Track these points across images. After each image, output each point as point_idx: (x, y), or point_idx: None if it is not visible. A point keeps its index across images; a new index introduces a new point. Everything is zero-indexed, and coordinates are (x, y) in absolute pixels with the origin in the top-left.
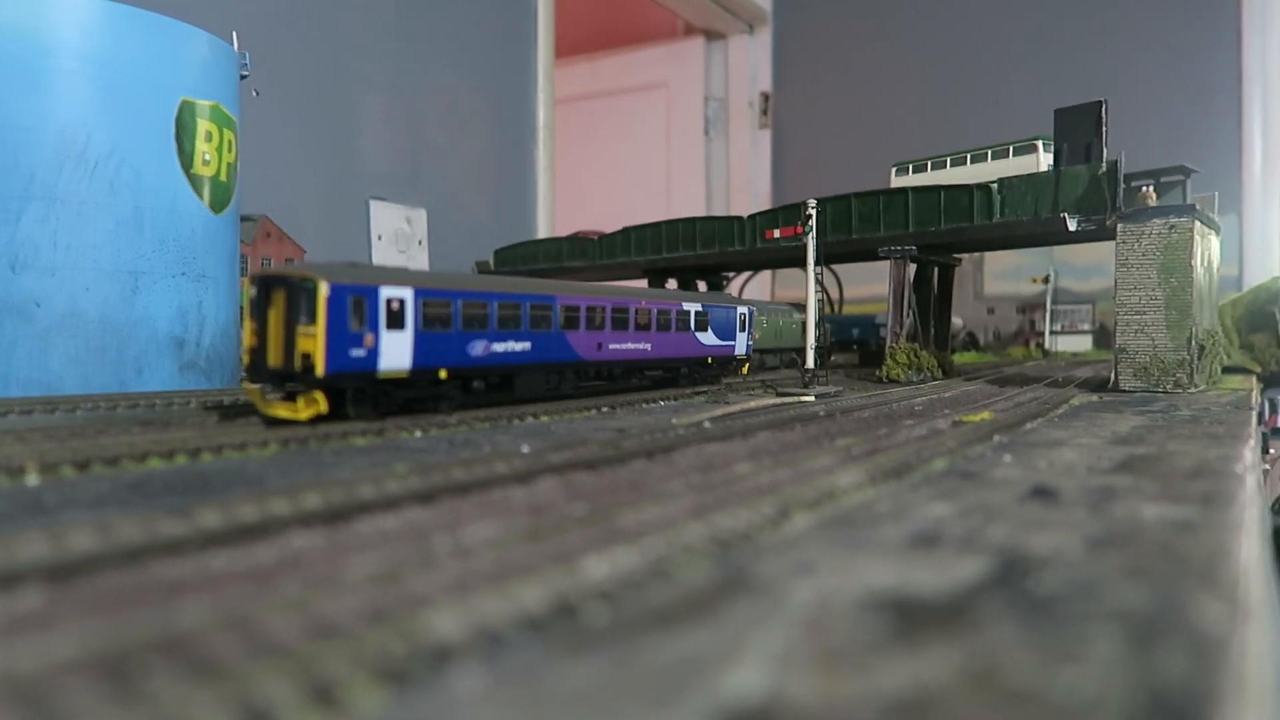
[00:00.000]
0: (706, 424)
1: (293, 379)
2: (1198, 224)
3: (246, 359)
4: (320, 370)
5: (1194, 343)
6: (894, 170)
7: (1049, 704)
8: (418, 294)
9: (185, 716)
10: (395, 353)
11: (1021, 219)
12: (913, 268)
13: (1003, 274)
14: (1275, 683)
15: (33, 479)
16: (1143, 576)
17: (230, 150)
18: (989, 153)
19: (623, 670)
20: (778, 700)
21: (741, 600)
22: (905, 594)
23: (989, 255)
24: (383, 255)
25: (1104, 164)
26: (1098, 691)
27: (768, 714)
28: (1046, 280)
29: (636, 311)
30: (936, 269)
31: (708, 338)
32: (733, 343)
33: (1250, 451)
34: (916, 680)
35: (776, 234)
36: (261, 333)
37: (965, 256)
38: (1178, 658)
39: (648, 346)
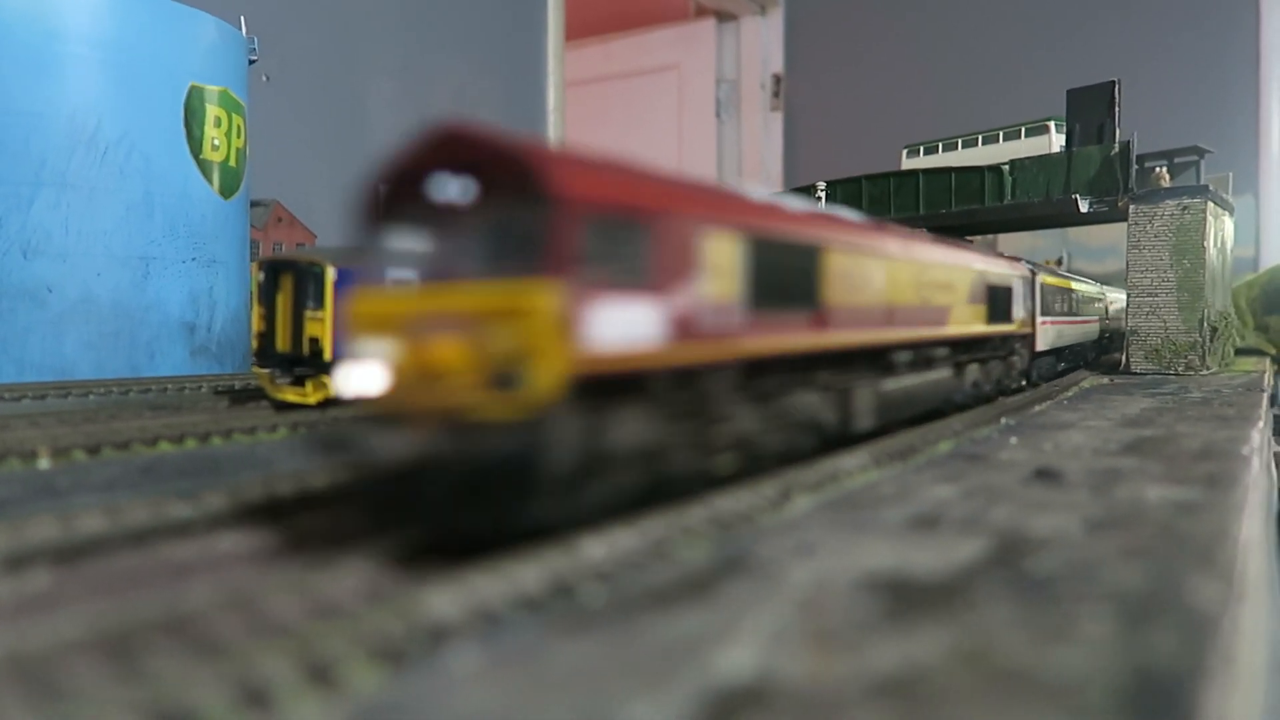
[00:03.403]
0: None
1: (301, 364)
2: (1211, 205)
3: (256, 344)
4: (328, 355)
5: (1206, 325)
6: (905, 152)
7: (1036, 682)
8: None
9: (185, 695)
10: None
11: (1033, 200)
12: None
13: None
14: (1267, 660)
15: (45, 463)
16: (1140, 557)
17: (239, 135)
18: (1000, 134)
19: (618, 650)
20: (767, 679)
21: (739, 581)
22: (903, 575)
23: (1002, 237)
24: None
25: (1116, 145)
26: (1085, 670)
27: (757, 692)
28: (1059, 262)
29: None
30: None
31: None
32: None
33: (1259, 433)
34: (907, 659)
35: None
36: (270, 318)
37: (977, 239)
38: (1167, 636)
39: None
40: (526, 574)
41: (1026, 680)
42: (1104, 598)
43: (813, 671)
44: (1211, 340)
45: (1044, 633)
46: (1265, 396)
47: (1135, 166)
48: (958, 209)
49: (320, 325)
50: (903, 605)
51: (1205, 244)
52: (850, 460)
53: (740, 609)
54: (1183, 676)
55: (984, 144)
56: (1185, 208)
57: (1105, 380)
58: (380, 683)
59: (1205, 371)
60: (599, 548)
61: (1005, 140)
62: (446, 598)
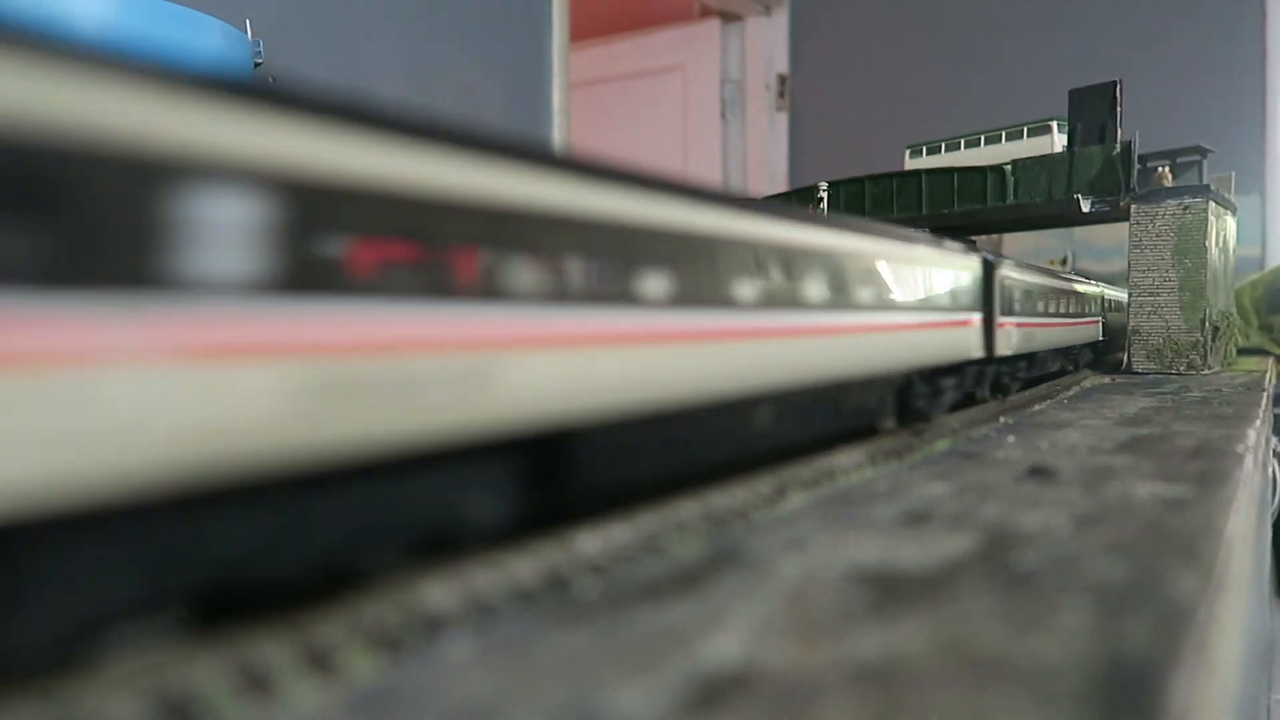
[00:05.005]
0: None
1: None
2: (1212, 204)
3: None
4: None
5: (1208, 324)
6: (908, 152)
7: (1010, 669)
8: None
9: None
10: None
11: (1035, 200)
12: None
13: (1020, 256)
14: (1242, 649)
15: None
16: (1124, 551)
17: None
18: (1003, 134)
19: (608, 639)
20: (752, 665)
21: (730, 574)
22: (890, 569)
23: (1007, 237)
24: None
25: (1118, 145)
26: (1058, 657)
27: (742, 678)
28: (1064, 262)
29: None
30: None
31: None
32: None
33: (1254, 431)
34: (887, 647)
35: None
36: None
37: (982, 239)
38: (1142, 627)
39: None
40: (521, 567)
41: (1000, 666)
42: (1084, 589)
43: (796, 659)
44: (1213, 340)
45: (1021, 622)
46: (1265, 396)
47: (1137, 166)
48: (960, 209)
49: None
50: (887, 597)
51: (1207, 244)
52: (846, 458)
53: (729, 600)
54: (1153, 663)
55: (986, 144)
56: (1187, 207)
57: (1106, 380)
58: (378, 669)
59: (1207, 371)
60: (593, 542)
61: (1008, 140)
62: (443, 590)
